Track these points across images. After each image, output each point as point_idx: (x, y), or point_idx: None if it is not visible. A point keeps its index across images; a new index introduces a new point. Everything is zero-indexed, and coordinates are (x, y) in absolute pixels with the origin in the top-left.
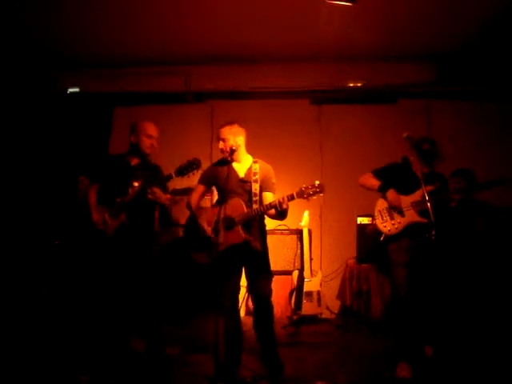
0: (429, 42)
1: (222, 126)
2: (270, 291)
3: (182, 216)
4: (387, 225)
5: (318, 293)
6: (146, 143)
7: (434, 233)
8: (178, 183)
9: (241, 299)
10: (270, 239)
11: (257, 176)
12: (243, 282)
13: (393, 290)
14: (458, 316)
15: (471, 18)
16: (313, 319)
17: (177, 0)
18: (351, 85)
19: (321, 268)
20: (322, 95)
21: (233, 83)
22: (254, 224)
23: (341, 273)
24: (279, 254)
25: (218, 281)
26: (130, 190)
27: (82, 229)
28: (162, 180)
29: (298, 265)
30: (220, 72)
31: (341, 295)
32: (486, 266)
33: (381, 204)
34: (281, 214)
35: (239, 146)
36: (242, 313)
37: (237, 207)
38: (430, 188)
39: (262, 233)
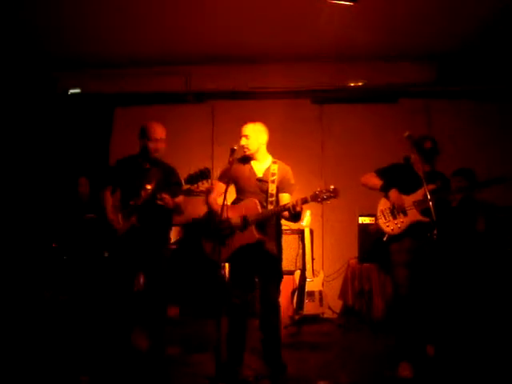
0: (429, 42)
1: (246, 122)
2: (279, 293)
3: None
4: (390, 224)
5: (320, 292)
6: (151, 147)
7: (435, 232)
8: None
9: None
10: None
11: (275, 177)
12: None
13: (394, 290)
14: (459, 315)
15: (471, 18)
16: (315, 319)
17: (177, 1)
18: (352, 84)
19: (323, 268)
20: (323, 95)
21: (233, 83)
22: (271, 224)
23: (342, 273)
24: None
25: (230, 280)
26: (143, 193)
27: (82, 229)
28: (174, 184)
29: (299, 265)
30: (220, 72)
31: (343, 295)
32: (487, 265)
33: (383, 204)
34: (294, 217)
35: (261, 144)
36: None
37: (251, 207)
38: (431, 187)
39: (278, 233)
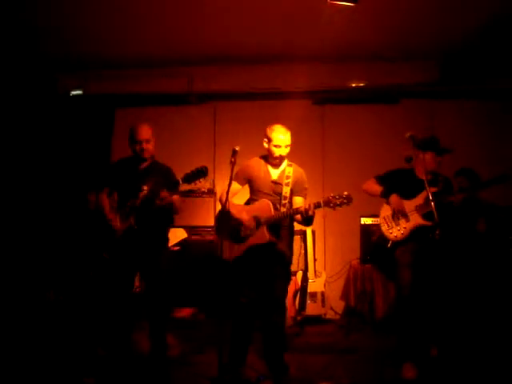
0: (431, 42)
1: (284, 130)
2: (286, 294)
3: (185, 217)
4: (393, 231)
5: (322, 293)
6: (137, 149)
7: (438, 232)
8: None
9: None
10: None
11: (289, 179)
12: None
13: (397, 291)
14: (462, 316)
15: (473, 17)
16: (317, 320)
17: (178, 1)
18: (353, 85)
19: (325, 269)
20: (324, 95)
21: (235, 84)
22: (284, 226)
23: (344, 273)
24: None
25: (239, 279)
26: (140, 194)
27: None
28: (170, 183)
29: (301, 265)
30: (223, 73)
31: (345, 296)
32: (488, 265)
33: (385, 211)
34: (307, 221)
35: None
36: None
37: (264, 208)
38: (433, 190)
39: (291, 235)
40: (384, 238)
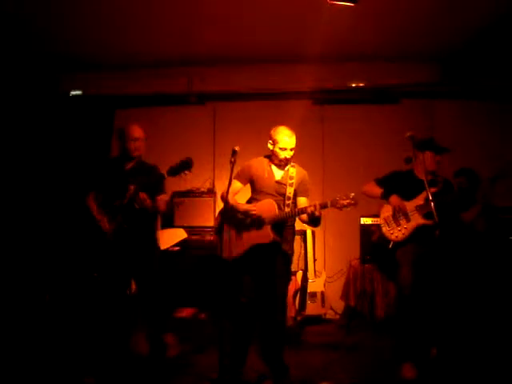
0: (431, 42)
1: (290, 132)
2: (287, 294)
3: (185, 217)
4: (394, 231)
5: (322, 293)
6: (131, 147)
7: (437, 232)
8: (181, 185)
9: None
10: None
11: (293, 180)
12: None
13: (398, 291)
14: (462, 316)
15: (474, 18)
16: (317, 320)
17: (178, 2)
18: (354, 85)
19: (324, 269)
20: (324, 96)
21: (235, 84)
22: (287, 226)
23: (344, 273)
24: None
25: (240, 278)
26: (127, 194)
27: (81, 231)
28: (156, 181)
29: (301, 265)
30: (222, 73)
31: (345, 296)
32: (489, 265)
33: (385, 211)
34: (314, 221)
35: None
36: None
37: (269, 208)
38: (433, 190)
39: (293, 235)
40: (385, 239)
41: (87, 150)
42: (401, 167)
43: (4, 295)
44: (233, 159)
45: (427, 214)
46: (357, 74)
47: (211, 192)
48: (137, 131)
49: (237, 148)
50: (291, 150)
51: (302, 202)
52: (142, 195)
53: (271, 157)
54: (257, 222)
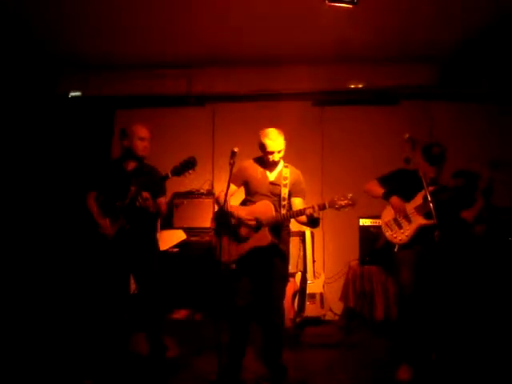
0: (430, 44)
1: (276, 135)
2: (284, 295)
3: (184, 218)
4: (397, 235)
5: (321, 295)
6: (139, 146)
7: (437, 234)
8: (181, 186)
9: None
10: None
11: (287, 181)
12: None
13: (399, 291)
14: (461, 318)
15: (473, 20)
16: (316, 321)
17: (178, 3)
18: (353, 86)
19: (324, 270)
20: (323, 97)
21: (234, 86)
22: (283, 228)
23: (344, 274)
24: None
25: (236, 281)
26: (129, 195)
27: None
28: (158, 181)
29: (300, 267)
30: (221, 74)
31: (344, 297)
32: (489, 267)
33: (386, 216)
34: (313, 223)
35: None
36: None
37: (266, 210)
38: (431, 188)
39: (289, 237)
40: (390, 243)
41: (87, 151)
42: (403, 167)
43: (4, 295)
44: (232, 161)
45: (427, 214)
46: (356, 75)
47: (210, 193)
48: (144, 131)
49: (236, 149)
50: (279, 152)
51: (298, 202)
52: (145, 194)
53: (263, 158)
54: (254, 225)
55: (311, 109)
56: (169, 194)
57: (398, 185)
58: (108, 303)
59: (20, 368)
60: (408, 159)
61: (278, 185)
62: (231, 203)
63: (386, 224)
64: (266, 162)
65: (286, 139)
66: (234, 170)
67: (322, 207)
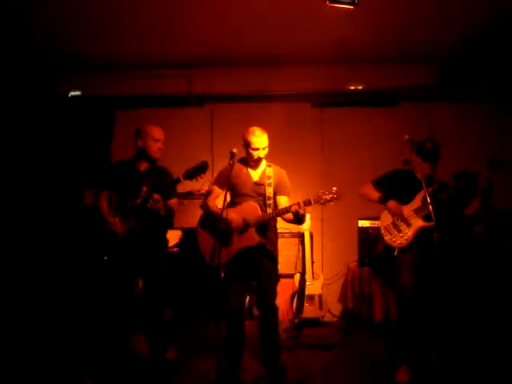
0: (430, 45)
1: (260, 132)
2: (276, 295)
3: (184, 219)
4: (396, 239)
5: (320, 296)
6: (153, 147)
7: (436, 235)
8: (181, 187)
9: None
10: None
11: (271, 180)
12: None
13: (399, 292)
14: (461, 319)
15: (472, 21)
16: (314, 322)
17: (177, 3)
18: (352, 88)
19: (322, 271)
20: (323, 98)
21: (234, 86)
22: (270, 228)
23: (342, 276)
24: (281, 256)
25: (228, 283)
26: (140, 195)
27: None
28: (169, 184)
29: (299, 268)
30: (221, 75)
31: (342, 298)
32: (488, 269)
33: (385, 220)
34: (299, 220)
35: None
36: None
37: (252, 210)
38: (429, 189)
39: (276, 236)
40: (389, 248)
41: (87, 151)
42: (400, 167)
43: (4, 296)
44: (231, 161)
45: (426, 216)
46: (356, 76)
47: (209, 194)
48: (158, 132)
49: (235, 150)
50: (264, 148)
51: (283, 201)
52: (156, 196)
53: (246, 159)
54: (241, 226)
55: (311, 110)
56: None
57: (395, 187)
58: (111, 302)
59: (20, 368)
60: (407, 161)
61: (263, 184)
62: (217, 206)
63: (385, 228)
64: (249, 160)
65: (285, 140)
66: (217, 172)
67: (308, 203)
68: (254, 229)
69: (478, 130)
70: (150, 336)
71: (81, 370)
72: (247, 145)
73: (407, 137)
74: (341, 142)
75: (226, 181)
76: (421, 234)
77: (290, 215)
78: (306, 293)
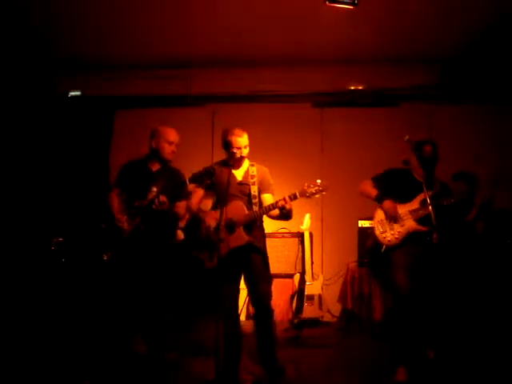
0: (430, 46)
1: (243, 132)
2: (271, 294)
3: (183, 220)
4: (387, 235)
5: (320, 296)
6: (167, 149)
7: (435, 236)
8: None
9: (241, 303)
10: (271, 242)
11: (254, 179)
12: (242, 285)
13: (394, 293)
14: (459, 319)
15: (473, 22)
16: (314, 322)
17: (178, 3)
18: (353, 88)
19: (322, 271)
20: (323, 98)
21: (234, 86)
22: (257, 226)
23: (342, 276)
24: (280, 257)
25: (220, 283)
26: (149, 195)
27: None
28: (178, 185)
29: (299, 268)
30: (221, 75)
31: (342, 298)
32: (487, 269)
33: (380, 214)
34: (285, 215)
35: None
36: (242, 317)
37: (238, 210)
38: (429, 193)
39: (263, 235)
40: (378, 243)
41: (87, 151)
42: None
43: (4, 296)
44: (231, 162)
45: (421, 220)
46: (356, 76)
47: (191, 195)
48: (173, 135)
49: (235, 150)
50: (245, 147)
51: (268, 198)
52: (162, 198)
53: (228, 160)
54: (229, 227)
55: (311, 110)
56: None
57: (393, 185)
58: (113, 302)
59: (20, 368)
60: (407, 161)
61: (247, 184)
62: (201, 209)
63: (378, 222)
64: (231, 159)
65: (285, 140)
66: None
67: (293, 197)
68: (241, 228)
69: (478, 130)
70: (151, 338)
71: (81, 370)
72: (228, 145)
73: (407, 137)
74: (341, 142)
75: (206, 181)
76: (412, 236)
77: (276, 211)
78: (306, 293)
